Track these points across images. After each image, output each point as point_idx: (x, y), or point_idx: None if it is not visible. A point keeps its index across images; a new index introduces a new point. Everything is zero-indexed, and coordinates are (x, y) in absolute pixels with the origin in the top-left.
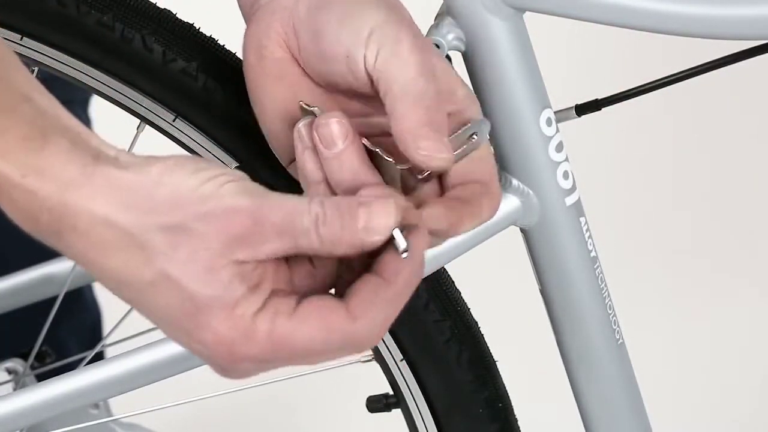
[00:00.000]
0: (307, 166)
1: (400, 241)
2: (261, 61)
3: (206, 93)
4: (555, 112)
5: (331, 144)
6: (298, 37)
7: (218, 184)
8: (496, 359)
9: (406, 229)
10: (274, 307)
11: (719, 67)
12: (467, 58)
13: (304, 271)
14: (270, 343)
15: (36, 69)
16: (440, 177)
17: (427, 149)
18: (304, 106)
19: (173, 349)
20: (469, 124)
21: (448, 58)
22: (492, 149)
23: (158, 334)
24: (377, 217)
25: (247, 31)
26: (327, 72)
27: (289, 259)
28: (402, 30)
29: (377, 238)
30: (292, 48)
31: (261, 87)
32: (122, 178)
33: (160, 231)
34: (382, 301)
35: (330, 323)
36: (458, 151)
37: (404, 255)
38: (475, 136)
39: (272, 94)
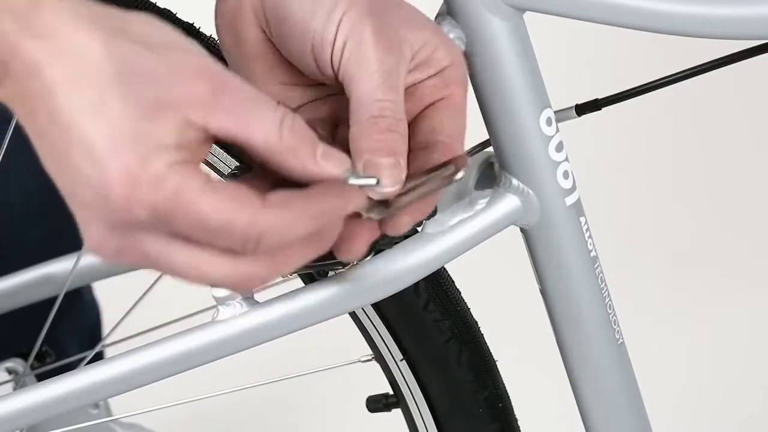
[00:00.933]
0: None
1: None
2: (239, 44)
3: None
4: (555, 112)
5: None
6: (267, 18)
7: (188, 41)
8: (496, 359)
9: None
10: (192, 170)
11: (719, 67)
12: (467, 57)
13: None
14: (174, 198)
15: None
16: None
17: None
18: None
19: (173, 348)
20: (449, 166)
21: None
22: (463, 113)
23: (158, 335)
24: (334, 159)
25: (217, 8)
26: (296, 62)
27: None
28: (366, 26)
29: (332, 170)
30: (263, 26)
31: (242, 69)
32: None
33: (147, 50)
34: (298, 204)
35: (240, 200)
36: (422, 187)
37: (350, 180)
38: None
39: (254, 75)
